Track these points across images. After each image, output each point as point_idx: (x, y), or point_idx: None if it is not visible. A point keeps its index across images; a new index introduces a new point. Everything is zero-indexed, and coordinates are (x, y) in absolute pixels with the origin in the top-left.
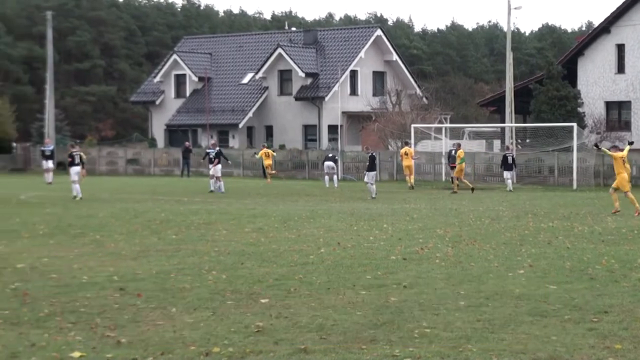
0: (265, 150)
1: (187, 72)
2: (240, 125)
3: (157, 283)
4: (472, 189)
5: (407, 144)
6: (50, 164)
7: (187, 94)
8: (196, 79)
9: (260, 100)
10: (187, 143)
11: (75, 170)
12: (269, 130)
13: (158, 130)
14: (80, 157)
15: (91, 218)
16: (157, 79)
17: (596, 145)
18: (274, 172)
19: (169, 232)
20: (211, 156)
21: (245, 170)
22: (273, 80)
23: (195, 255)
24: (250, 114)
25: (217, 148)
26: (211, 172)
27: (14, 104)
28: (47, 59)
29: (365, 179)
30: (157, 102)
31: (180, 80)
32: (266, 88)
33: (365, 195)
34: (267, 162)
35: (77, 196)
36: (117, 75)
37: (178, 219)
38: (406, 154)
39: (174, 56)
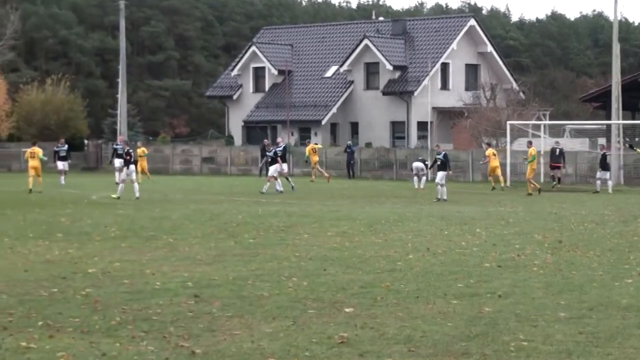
0: (312, 146)
1: (267, 64)
2: (323, 122)
3: (233, 290)
4: (539, 190)
5: (489, 145)
6: (121, 162)
7: (266, 88)
8: (276, 72)
9: (345, 95)
10: (265, 140)
11: (132, 169)
12: (354, 127)
13: (235, 126)
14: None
15: (164, 220)
16: (235, 72)
17: (631, 146)
18: (323, 172)
19: (246, 235)
20: (279, 154)
21: (328, 169)
22: (359, 74)
23: (275, 260)
24: (334, 110)
25: (283, 145)
26: (274, 171)
27: (86, 99)
28: (119, 50)
29: (436, 180)
30: (235, 97)
31: (259, 73)
32: (351, 82)
33: (432, 197)
34: (315, 158)
35: (117, 195)
36: (192, 69)
37: (256, 221)
38: (494, 154)
39: (253, 48)
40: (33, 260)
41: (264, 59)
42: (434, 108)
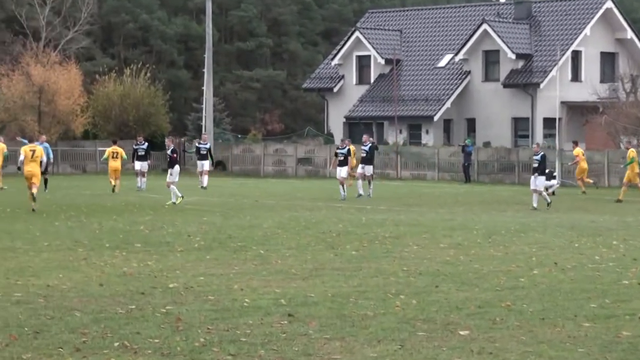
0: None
1: (372, 52)
2: (436, 118)
3: (332, 309)
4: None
5: (576, 144)
6: (206, 165)
7: (372, 79)
8: (383, 62)
9: (460, 87)
10: (365, 137)
11: (177, 170)
12: (471, 124)
13: (335, 123)
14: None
15: (254, 229)
16: (336, 61)
17: None
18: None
19: (347, 246)
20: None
21: (440, 172)
22: (476, 63)
23: (380, 275)
24: (447, 104)
25: (369, 144)
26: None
27: (167, 91)
28: (205, 37)
29: (533, 185)
30: (335, 90)
31: (363, 62)
32: (468, 72)
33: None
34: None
35: (177, 200)
36: (287, 57)
37: (359, 230)
38: (583, 154)
39: (357, 34)
40: (109, 273)
41: (369, 46)
42: (562, 103)
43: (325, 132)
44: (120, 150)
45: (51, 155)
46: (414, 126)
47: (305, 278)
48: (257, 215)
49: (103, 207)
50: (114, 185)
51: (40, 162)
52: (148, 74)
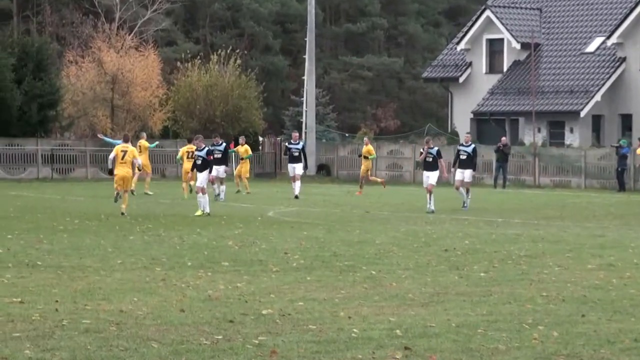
0: (368, 147)
1: (506, 35)
2: (583, 114)
3: (457, 341)
4: None
5: None
6: (297, 168)
7: (505, 67)
8: (518, 46)
9: (614, 76)
10: (503, 139)
11: (204, 176)
12: (626, 121)
13: (461, 119)
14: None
15: (364, 245)
16: (462, 46)
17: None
18: (378, 179)
19: (475, 267)
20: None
21: (588, 178)
22: (634, 49)
23: (514, 301)
24: (597, 97)
25: (472, 143)
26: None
27: (261, 82)
28: (307, 17)
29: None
30: (461, 80)
31: (494, 47)
32: (622, 59)
33: None
34: (366, 164)
35: (204, 211)
36: (404, 41)
37: (488, 248)
38: None
39: (487, 13)
40: (191, 296)
41: (502, 28)
42: None
43: (449, 129)
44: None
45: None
46: (556, 123)
47: (424, 304)
48: (367, 229)
49: (185, 219)
50: (190, 189)
51: (132, 164)
52: (238, 61)
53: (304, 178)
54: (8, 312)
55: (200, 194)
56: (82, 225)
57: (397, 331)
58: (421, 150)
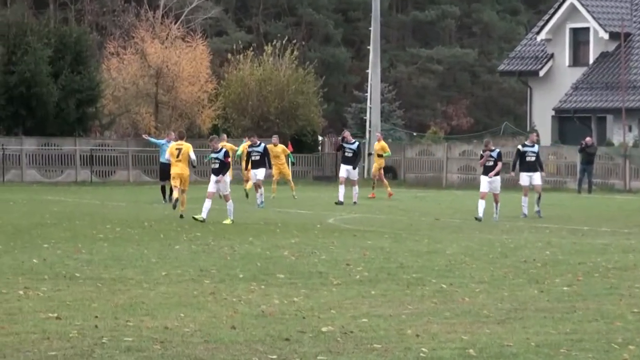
0: (381, 144)
1: (592, 24)
2: None
3: None
4: None
5: None
6: (352, 173)
7: (591, 59)
8: (606, 36)
9: None
10: (587, 139)
11: (215, 180)
12: None
13: (542, 117)
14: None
15: (434, 256)
16: (542, 36)
17: None
18: (388, 187)
19: (557, 280)
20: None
21: None
22: None
23: (601, 318)
24: None
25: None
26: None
27: (321, 75)
28: (371, 5)
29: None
30: (542, 73)
31: (579, 37)
32: None
33: None
34: (379, 162)
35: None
36: (479, 31)
37: (572, 259)
38: None
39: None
40: (243, 312)
41: (587, 16)
42: None
43: (528, 128)
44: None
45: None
46: None
47: (500, 321)
48: (437, 238)
49: (236, 226)
50: (247, 192)
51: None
52: (295, 53)
53: (365, 182)
54: (44, 328)
55: (224, 200)
56: (124, 233)
57: (471, 351)
58: (481, 152)
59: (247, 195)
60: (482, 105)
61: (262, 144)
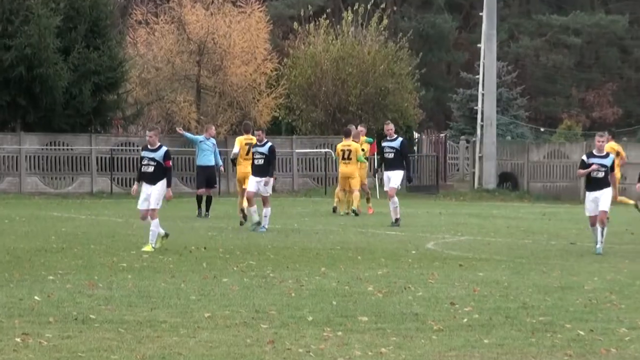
0: (363, 143)
1: None
2: None
3: None
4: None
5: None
6: (394, 178)
7: None
8: None
9: None
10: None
11: (159, 191)
12: None
13: None
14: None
15: (568, 292)
16: None
17: None
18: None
19: None
20: None
21: None
22: None
23: None
24: None
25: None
26: None
27: (417, 52)
28: None
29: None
30: None
31: None
32: None
33: None
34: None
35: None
36: None
37: None
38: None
39: None
40: None
41: None
42: None
43: None
44: (354, 145)
45: (219, 159)
46: None
47: None
48: (572, 268)
49: (303, 252)
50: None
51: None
52: (384, 22)
53: (468, 194)
54: None
55: (149, 218)
56: (154, 261)
57: None
58: (583, 158)
59: (243, 218)
60: (634, 91)
61: (270, 143)
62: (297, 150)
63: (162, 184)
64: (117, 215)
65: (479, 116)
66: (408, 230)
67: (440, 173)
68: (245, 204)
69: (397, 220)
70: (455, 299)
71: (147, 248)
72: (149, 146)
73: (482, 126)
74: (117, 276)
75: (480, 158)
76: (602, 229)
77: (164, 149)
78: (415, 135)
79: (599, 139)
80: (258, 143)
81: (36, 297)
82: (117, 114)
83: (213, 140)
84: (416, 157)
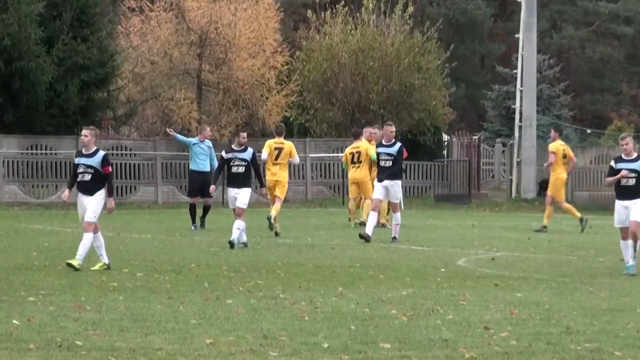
0: (367, 144)
1: None
2: None
3: None
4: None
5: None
6: (394, 189)
7: None
8: None
9: None
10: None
11: (96, 203)
12: None
13: None
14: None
15: (618, 315)
16: None
17: None
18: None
19: None
20: None
21: None
22: None
23: None
24: None
25: None
26: None
27: (448, 44)
28: None
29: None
30: None
31: None
32: None
33: None
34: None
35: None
36: None
37: None
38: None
39: None
40: None
41: None
42: None
43: None
44: (364, 146)
45: (215, 163)
46: None
47: None
48: (623, 288)
49: (317, 269)
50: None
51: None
52: (410, 9)
53: (504, 204)
54: None
55: (91, 233)
56: (149, 280)
57: None
58: (611, 164)
59: (270, 227)
60: None
61: (250, 149)
62: (310, 155)
63: (100, 194)
64: (106, 228)
65: (516, 116)
66: (436, 245)
67: (472, 180)
68: (273, 212)
69: (395, 238)
70: (490, 323)
71: (75, 263)
72: (83, 150)
73: (520, 127)
74: (106, 297)
75: (519, 163)
76: (635, 242)
77: (101, 153)
78: (445, 137)
79: (622, 142)
80: (237, 148)
81: (15, 321)
82: (107, 114)
83: (209, 143)
84: (445, 162)
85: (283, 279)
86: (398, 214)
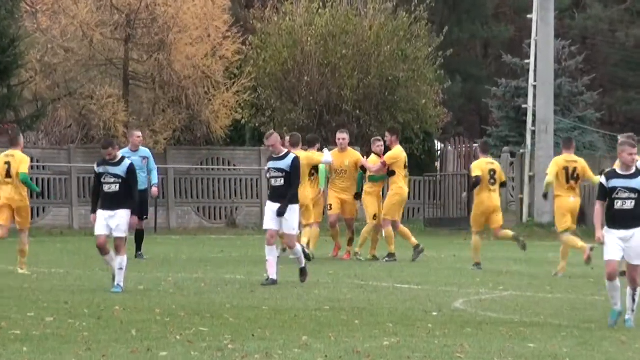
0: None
1: None
2: None
3: None
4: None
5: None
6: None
7: None
8: None
9: None
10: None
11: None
12: None
13: None
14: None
15: None
16: None
17: None
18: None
19: None
20: None
21: None
22: None
23: None
24: None
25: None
26: None
27: (441, 27)
28: None
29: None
30: None
31: None
32: None
33: None
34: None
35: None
36: None
37: None
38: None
39: None
40: None
41: None
42: None
43: None
44: (357, 154)
45: (155, 178)
46: None
47: None
48: None
49: (275, 313)
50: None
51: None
52: None
53: (513, 230)
54: None
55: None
56: (62, 327)
57: None
58: (602, 181)
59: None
60: None
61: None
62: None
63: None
64: (6, 261)
65: (529, 118)
66: (427, 282)
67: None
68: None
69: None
70: None
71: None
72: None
73: (533, 133)
74: (6, 349)
75: (531, 178)
76: (634, 290)
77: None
78: (438, 145)
79: (622, 149)
80: (109, 159)
81: None
82: (7, 115)
83: (144, 152)
84: (439, 177)
85: (232, 326)
86: (298, 247)
